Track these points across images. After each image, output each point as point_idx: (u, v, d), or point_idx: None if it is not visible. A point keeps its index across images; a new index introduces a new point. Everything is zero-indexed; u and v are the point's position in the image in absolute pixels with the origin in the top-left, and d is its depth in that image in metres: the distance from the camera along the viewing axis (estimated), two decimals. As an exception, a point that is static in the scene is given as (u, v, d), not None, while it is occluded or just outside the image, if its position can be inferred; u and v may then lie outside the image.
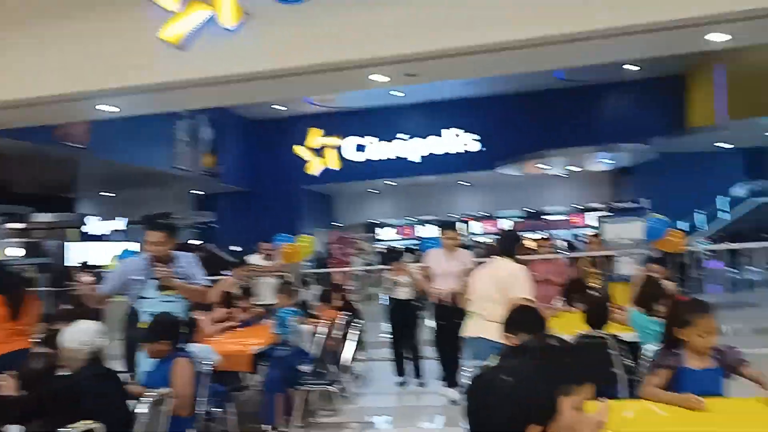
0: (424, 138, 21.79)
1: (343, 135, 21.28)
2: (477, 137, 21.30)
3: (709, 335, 2.80)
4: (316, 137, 19.84)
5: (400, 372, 6.70)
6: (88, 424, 2.70)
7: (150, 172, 15.98)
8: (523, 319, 3.08)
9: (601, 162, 20.19)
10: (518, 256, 4.62)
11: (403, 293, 6.65)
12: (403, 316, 6.62)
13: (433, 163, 21.59)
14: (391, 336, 6.76)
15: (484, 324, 4.17)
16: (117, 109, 5.79)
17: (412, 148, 21.81)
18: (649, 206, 18.04)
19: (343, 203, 26.05)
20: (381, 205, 26.73)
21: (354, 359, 6.03)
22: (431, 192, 25.02)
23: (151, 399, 3.18)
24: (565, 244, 17.61)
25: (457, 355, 5.34)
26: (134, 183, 17.80)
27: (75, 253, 14.63)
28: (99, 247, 15.34)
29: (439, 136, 21.68)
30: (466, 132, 21.53)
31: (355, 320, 5.87)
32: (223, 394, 4.77)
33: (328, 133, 20.16)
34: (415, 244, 18.99)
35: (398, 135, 21.93)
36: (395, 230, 27.66)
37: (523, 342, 2.24)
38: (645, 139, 17.71)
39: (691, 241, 16.84)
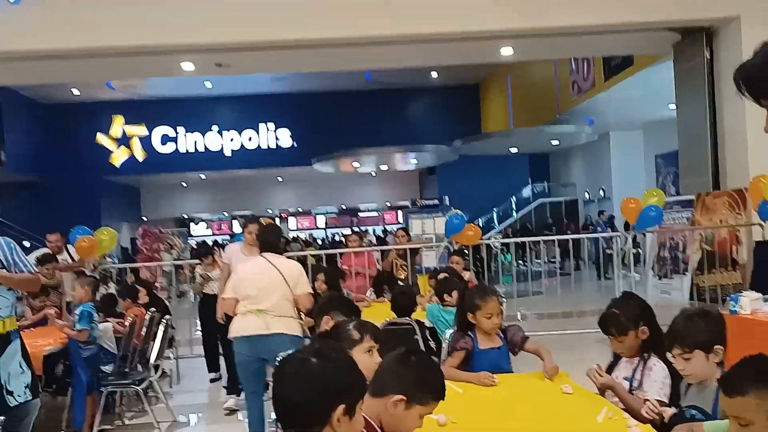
0: (239, 132, 21.37)
1: (150, 124, 20.08)
2: (291, 133, 21.39)
3: (494, 316, 3.11)
4: (119, 125, 18.47)
5: (212, 368, 6.59)
6: None
7: None
8: (336, 305, 3.23)
9: (408, 162, 21.38)
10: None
11: (215, 289, 6.52)
12: (214, 312, 6.49)
13: (247, 157, 21.28)
14: (203, 332, 6.62)
15: (279, 320, 4.09)
16: None
17: (224, 141, 21.26)
18: (450, 203, 19.51)
19: (152, 196, 24.62)
20: (194, 199, 25.71)
21: (163, 357, 5.82)
22: (247, 187, 24.62)
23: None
24: (375, 239, 18.40)
25: None
26: None
27: None
28: None
29: (255, 130, 21.41)
30: (280, 127, 21.53)
31: (164, 317, 5.66)
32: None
33: (133, 122, 18.88)
34: (229, 240, 18.59)
35: (211, 127, 21.25)
36: (209, 226, 26.81)
37: (334, 326, 2.40)
38: (447, 141, 19.08)
39: (487, 236, 18.58)
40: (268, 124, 21.46)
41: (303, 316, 4.30)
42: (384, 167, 22.13)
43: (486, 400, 2.73)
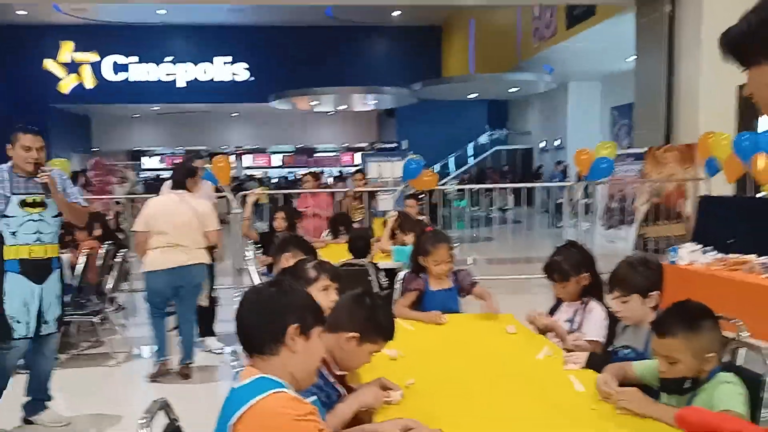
0: (195, 64, 20.66)
1: (102, 51, 19.27)
2: (247, 67, 20.80)
3: (443, 264, 3.27)
4: (68, 51, 17.66)
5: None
6: None
7: None
8: (295, 244, 3.32)
9: (366, 103, 21.18)
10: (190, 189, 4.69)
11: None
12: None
13: (201, 91, 20.68)
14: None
15: (195, 252, 4.55)
16: None
17: (178, 73, 20.54)
18: (408, 147, 19.55)
19: (103, 127, 23.83)
20: (147, 132, 25.00)
21: (119, 290, 5.83)
22: (202, 122, 24.05)
23: None
24: (332, 180, 18.38)
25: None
26: None
27: None
28: None
29: (210, 62, 20.74)
30: (236, 62, 20.91)
31: (119, 251, 5.64)
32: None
33: (83, 48, 18.08)
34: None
35: (164, 58, 20.47)
36: (163, 159, 26.20)
37: (300, 262, 2.50)
38: (406, 83, 18.92)
39: (443, 182, 18.79)
40: (225, 57, 20.83)
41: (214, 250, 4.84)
42: (342, 107, 21.89)
43: (434, 338, 2.89)
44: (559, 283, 2.85)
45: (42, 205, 3.66)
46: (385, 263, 4.99)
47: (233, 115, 24.28)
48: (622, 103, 15.75)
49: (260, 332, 1.58)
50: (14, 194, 3.62)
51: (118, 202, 11.62)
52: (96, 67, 19.16)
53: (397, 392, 2.04)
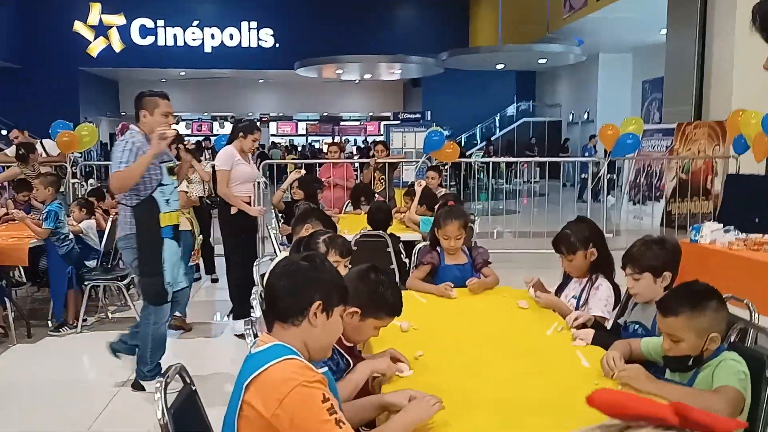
0: (221, 29, 20.64)
1: (129, 15, 19.35)
2: (273, 33, 20.69)
3: (452, 239, 3.27)
4: (96, 13, 17.78)
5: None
6: None
7: None
8: (315, 216, 3.38)
9: (392, 72, 21.00)
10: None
11: (195, 190, 6.62)
12: (195, 213, 6.62)
13: (228, 56, 20.68)
14: (183, 233, 6.77)
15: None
16: None
17: (205, 38, 20.54)
18: (433, 118, 19.42)
19: (131, 91, 23.98)
20: (174, 97, 24.88)
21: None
22: (228, 88, 24.12)
23: None
24: (356, 150, 18.39)
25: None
26: None
27: None
28: None
29: (237, 27, 20.68)
30: (263, 27, 20.82)
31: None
32: (-1, 290, 4.56)
33: (111, 11, 18.18)
34: (206, 141, 18.44)
35: (192, 22, 20.47)
36: (189, 125, 26.42)
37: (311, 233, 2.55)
38: (433, 53, 18.69)
39: (469, 152, 18.67)
40: (251, 22, 20.77)
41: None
42: (368, 76, 21.75)
43: (447, 311, 2.94)
44: (566, 257, 2.87)
45: (174, 172, 3.77)
46: (404, 235, 5.05)
47: (260, 81, 24.31)
48: (654, 76, 15.42)
49: (285, 302, 1.64)
50: (162, 162, 3.65)
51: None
52: (124, 31, 19.29)
53: (404, 366, 2.09)
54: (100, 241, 5.46)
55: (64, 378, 4.19)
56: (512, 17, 19.34)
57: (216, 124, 26.38)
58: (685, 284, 2.05)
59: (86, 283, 5.07)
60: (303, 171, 5.84)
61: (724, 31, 9.06)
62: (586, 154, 15.24)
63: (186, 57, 20.52)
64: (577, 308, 2.79)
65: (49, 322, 4.99)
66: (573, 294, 2.88)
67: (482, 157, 17.96)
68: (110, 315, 5.51)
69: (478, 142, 22.46)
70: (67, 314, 5.00)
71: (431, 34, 21.06)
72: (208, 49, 20.59)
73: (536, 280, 2.94)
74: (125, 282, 5.20)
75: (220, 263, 6.63)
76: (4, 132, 16.62)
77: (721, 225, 4.95)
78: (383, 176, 7.35)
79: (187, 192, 5.30)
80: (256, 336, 2.00)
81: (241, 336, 5.39)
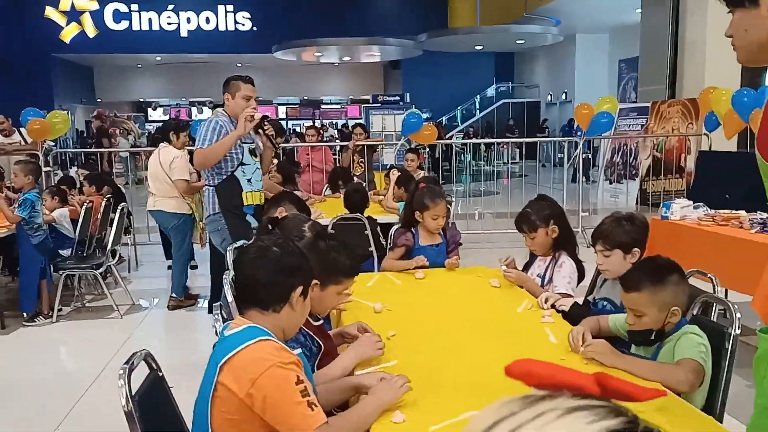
0: (197, 13, 20.28)
1: None
2: (250, 17, 20.38)
3: (440, 218, 3.31)
4: (68, -1, 17.42)
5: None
6: None
7: None
8: (289, 199, 3.38)
9: (371, 54, 20.87)
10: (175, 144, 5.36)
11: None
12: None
13: (204, 40, 20.35)
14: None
15: (159, 200, 5.23)
16: None
17: (180, 22, 20.16)
18: (413, 100, 19.36)
19: (107, 77, 23.66)
20: (151, 83, 24.82)
21: (120, 243, 5.95)
22: (206, 73, 23.78)
23: None
24: (337, 133, 18.31)
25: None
26: None
27: None
28: None
29: (213, 11, 20.34)
30: (239, 10, 20.51)
31: (120, 204, 5.73)
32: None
33: (83, -4, 17.81)
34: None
35: (167, 6, 20.09)
36: (167, 111, 26.08)
37: (281, 217, 2.55)
38: (411, 35, 18.59)
39: (450, 134, 18.67)
40: (227, 6, 20.45)
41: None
42: (347, 59, 21.61)
43: (420, 292, 2.96)
44: (529, 235, 2.91)
45: (256, 154, 3.88)
46: (381, 217, 5.06)
47: (238, 65, 24.03)
48: (630, 56, 15.50)
49: (266, 291, 1.65)
50: (244, 143, 3.78)
51: (121, 156, 11.69)
52: (97, 16, 18.92)
53: (370, 335, 2.13)
54: (75, 230, 5.40)
55: (40, 368, 4.17)
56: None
57: (194, 110, 26.07)
58: (647, 259, 2.10)
59: (60, 272, 5.02)
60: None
61: (697, 8, 9.12)
62: (560, 133, 15.28)
63: (162, 42, 20.17)
64: (542, 286, 2.84)
65: (25, 313, 4.94)
66: (538, 273, 2.92)
67: (462, 138, 17.99)
68: (86, 304, 5.48)
69: (459, 123, 22.48)
70: (42, 304, 4.96)
71: (410, 16, 20.92)
72: (184, 34, 20.25)
73: (511, 259, 2.98)
74: (101, 270, 5.17)
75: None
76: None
77: (691, 202, 5.03)
78: (362, 159, 7.34)
79: (188, 180, 5.27)
80: (225, 320, 2.01)
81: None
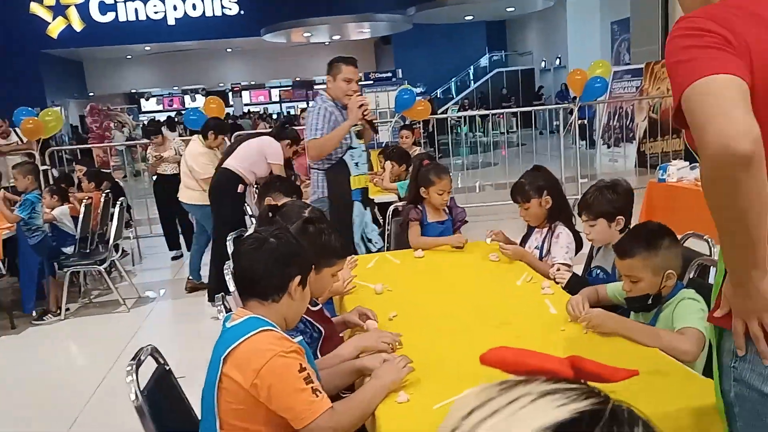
0: (183, 0, 20.00)
1: (86, -9, 18.73)
2: (236, 0, 20.11)
3: (446, 194, 3.32)
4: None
5: (173, 246, 6.80)
6: None
7: None
8: (279, 185, 3.39)
9: (361, 31, 20.65)
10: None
11: (169, 169, 6.58)
12: (170, 192, 6.59)
13: (192, 27, 20.09)
14: (160, 212, 6.75)
15: (183, 191, 5.35)
16: None
17: (167, 10, 19.90)
18: (406, 75, 19.21)
19: (97, 70, 23.50)
20: (142, 73, 24.64)
21: (122, 237, 5.98)
22: (197, 60, 23.64)
23: None
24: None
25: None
26: None
27: None
28: None
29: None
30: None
31: (119, 199, 5.75)
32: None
33: (67, -11, 17.60)
34: (178, 116, 18.15)
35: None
36: (160, 101, 25.97)
37: (280, 204, 2.56)
38: (401, 9, 18.36)
39: (445, 107, 18.58)
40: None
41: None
42: (337, 37, 21.40)
43: (420, 271, 2.99)
44: (522, 205, 2.92)
45: (362, 137, 3.85)
46: (379, 197, 5.08)
47: (228, 50, 23.84)
48: (622, 17, 15.33)
49: (265, 282, 1.68)
50: (352, 126, 3.75)
51: (118, 150, 11.65)
52: (82, 9, 18.71)
53: (372, 321, 2.15)
54: (76, 227, 5.43)
55: (51, 366, 4.23)
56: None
57: (187, 98, 25.95)
58: (638, 225, 2.12)
59: (65, 269, 5.06)
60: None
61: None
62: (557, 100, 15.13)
63: (149, 31, 19.95)
64: (540, 258, 2.86)
65: (34, 311, 4.99)
66: (536, 244, 2.94)
67: (458, 111, 17.90)
68: (93, 300, 5.53)
69: (454, 96, 22.33)
70: (49, 303, 5.01)
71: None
72: (171, 22, 20.02)
73: (498, 231, 3.00)
74: (105, 266, 5.20)
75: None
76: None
77: (688, 163, 5.04)
78: (356, 139, 7.32)
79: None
80: (228, 310, 2.04)
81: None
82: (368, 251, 3.83)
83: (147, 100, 26.06)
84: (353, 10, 18.61)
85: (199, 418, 1.69)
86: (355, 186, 3.80)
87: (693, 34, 1.20)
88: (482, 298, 2.52)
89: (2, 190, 5.83)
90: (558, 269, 2.61)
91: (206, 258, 5.31)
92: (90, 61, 22.91)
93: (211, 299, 4.87)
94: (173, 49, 21.80)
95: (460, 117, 13.62)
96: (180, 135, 10.63)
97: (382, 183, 5.58)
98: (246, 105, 25.71)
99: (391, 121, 8.43)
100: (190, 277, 5.52)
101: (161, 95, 26.36)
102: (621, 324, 2.01)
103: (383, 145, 8.67)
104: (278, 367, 1.55)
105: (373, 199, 4.89)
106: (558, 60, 19.79)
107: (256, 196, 5.80)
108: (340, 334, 2.25)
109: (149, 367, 1.77)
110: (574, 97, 7.75)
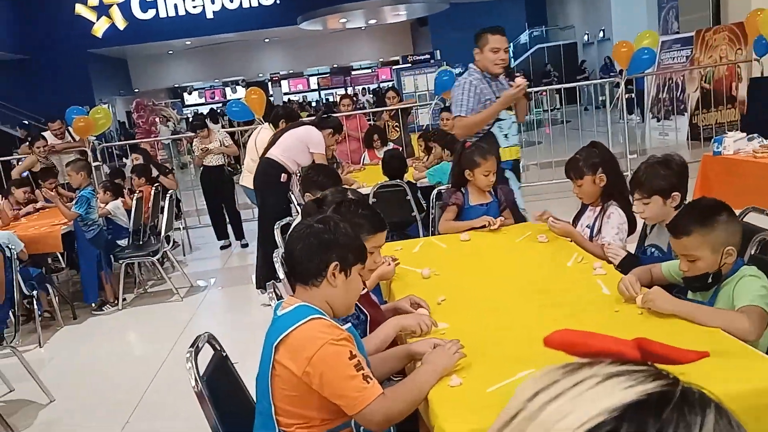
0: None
1: (126, -10, 19.11)
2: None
3: (491, 174, 3.25)
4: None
5: (221, 236, 6.94)
6: None
7: None
8: (317, 176, 3.39)
9: (397, 14, 20.46)
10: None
11: (215, 160, 6.70)
12: (217, 183, 6.73)
13: (230, 19, 20.31)
14: (207, 203, 6.88)
15: (246, 175, 5.35)
16: None
17: (205, 3, 20.19)
18: (444, 56, 18.99)
19: (141, 67, 24.03)
20: (184, 67, 25.08)
21: (173, 228, 6.12)
22: (236, 51, 23.88)
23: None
24: (371, 98, 18.18)
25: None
26: None
27: None
28: None
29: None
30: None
31: (168, 191, 5.89)
32: (39, 277, 4.74)
33: (109, -11, 17.99)
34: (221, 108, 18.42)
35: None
36: (202, 94, 26.40)
37: (322, 195, 2.57)
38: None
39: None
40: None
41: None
42: (373, 21, 21.28)
43: (467, 254, 2.95)
44: (576, 182, 2.84)
45: (511, 107, 3.74)
46: (422, 182, 5.05)
47: (266, 40, 24.01)
48: (668, -16, 14.76)
49: (304, 266, 1.70)
50: (498, 98, 3.67)
51: (164, 143, 11.92)
52: (125, 8, 19.12)
53: (426, 313, 2.12)
54: (129, 221, 5.59)
55: (112, 354, 4.38)
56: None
57: (228, 90, 26.29)
58: (693, 202, 2.05)
59: (120, 261, 5.23)
60: None
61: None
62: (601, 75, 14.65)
63: (189, 25, 20.26)
64: (591, 237, 2.79)
65: (93, 303, 5.18)
66: (587, 223, 2.87)
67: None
68: (148, 290, 5.70)
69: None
70: (106, 294, 5.19)
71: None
72: (210, 15, 20.29)
73: (548, 214, 2.94)
74: (157, 257, 5.35)
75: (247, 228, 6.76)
76: (26, 122, 16.83)
77: (744, 134, 4.84)
78: (397, 124, 7.30)
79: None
80: (279, 298, 2.06)
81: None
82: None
83: (189, 93, 26.52)
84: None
85: (255, 403, 1.72)
86: (506, 158, 3.66)
87: None
88: (531, 280, 2.48)
89: (56, 189, 6.05)
90: (610, 245, 2.53)
91: (253, 247, 5.39)
92: (134, 58, 23.43)
93: (259, 287, 4.94)
94: (213, 42, 22.08)
95: (501, 96, 13.39)
96: (223, 126, 10.77)
97: (414, 174, 5.48)
98: (285, 94, 25.89)
99: (430, 104, 8.35)
100: None
101: (203, 88, 26.79)
102: (678, 303, 1.95)
103: (423, 128, 8.61)
104: (329, 355, 1.56)
105: (416, 183, 4.89)
106: (602, 32, 19.22)
107: (299, 184, 5.87)
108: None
109: (205, 353, 1.81)
110: (621, 71, 7.53)
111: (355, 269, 1.75)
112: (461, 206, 3.32)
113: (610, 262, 2.52)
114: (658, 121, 11.06)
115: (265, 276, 4.67)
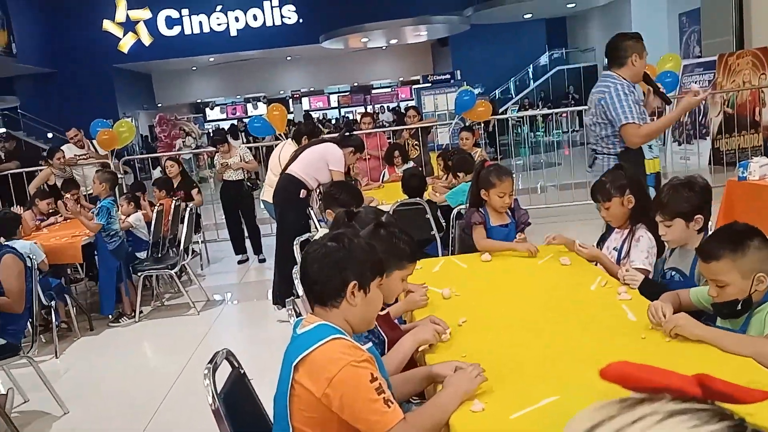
0: (244, 11, 20.56)
1: (154, 7, 19.45)
2: (296, 9, 20.51)
3: (507, 196, 3.22)
4: (122, 9, 17.90)
5: (239, 251, 6.95)
6: None
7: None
8: (339, 194, 3.38)
9: (418, 34, 20.61)
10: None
11: (234, 175, 6.74)
12: (236, 198, 6.76)
13: (254, 37, 20.63)
14: (226, 217, 6.91)
15: (267, 190, 5.31)
16: None
17: (229, 22, 20.54)
18: (464, 76, 19.03)
19: (164, 82, 24.40)
20: (206, 83, 25.42)
21: (192, 242, 6.14)
22: (258, 69, 24.18)
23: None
24: (391, 116, 18.26)
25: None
26: None
27: None
28: None
29: (260, 8, 20.57)
30: (285, 4, 20.67)
31: (188, 205, 5.92)
32: (58, 287, 4.77)
33: (136, 6, 18.29)
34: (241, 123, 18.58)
35: (215, 7, 20.47)
36: (224, 110, 26.71)
37: (356, 210, 2.55)
38: (457, 10, 18.21)
39: (504, 107, 18.30)
40: (273, 0, 20.66)
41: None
42: (394, 41, 21.44)
43: (488, 275, 2.92)
44: (603, 205, 2.79)
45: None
46: (440, 199, 5.02)
47: (288, 58, 24.28)
48: (691, 8, 14.70)
49: (321, 287, 1.66)
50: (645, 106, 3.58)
51: (185, 158, 12.02)
52: (150, 24, 19.46)
53: (445, 330, 2.10)
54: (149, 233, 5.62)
55: (127, 366, 4.38)
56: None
57: (249, 106, 26.58)
58: (724, 227, 2.00)
59: (139, 273, 5.24)
60: None
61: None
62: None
63: (213, 43, 20.59)
64: (618, 261, 2.74)
65: (110, 315, 5.19)
66: (614, 246, 2.81)
67: (518, 111, 17.59)
68: (165, 303, 5.70)
69: (513, 96, 21.99)
70: (123, 306, 5.20)
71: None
72: (233, 33, 20.61)
73: (557, 235, 2.89)
74: (176, 270, 5.36)
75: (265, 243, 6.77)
76: (49, 135, 17.12)
77: (770, 159, 4.76)
78: (417, 142, 7.29)
79: None
80: (298, 315, 2.04)
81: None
82: None
83: (212, 109, 26.84)
84: (410, 13, 18.60)
85: (271, 423, 1.69)
86: (650, 170, 3.50)
87: None
88: (554, 303, 2.43)
89: (77, 200, 6.10)
90: (627, 270, 2.48)
91: (270, 262, 5.39)
92: (158, 73, 23.80)
93: (276, 302, 4.91)
94: (236, 59, 22.38)
95: (520, 117, 13.36)
96: (243, 142, 10.87)
97: (432, 195, 5.43)
98: (306, 111, 26.11)
99: (450, 123, 8.35)
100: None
101: (225, 104, 27.10)
102: (708, 331, 1.90)
103: (443, 147, 8.61)
104: (350, 378, 1.52)
105: (436, 203, 4.86)
106: (622, 55, 19.16)
107: (319, 201, 5.87)
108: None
109: (222, 369, 1.79)
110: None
111: (374, 284, 1.71)
112: (485, 226, 3.28)
113: (627, 284, 2.46)
114: (680, 144, 10.96)
115: (282, 292, 4.66)
